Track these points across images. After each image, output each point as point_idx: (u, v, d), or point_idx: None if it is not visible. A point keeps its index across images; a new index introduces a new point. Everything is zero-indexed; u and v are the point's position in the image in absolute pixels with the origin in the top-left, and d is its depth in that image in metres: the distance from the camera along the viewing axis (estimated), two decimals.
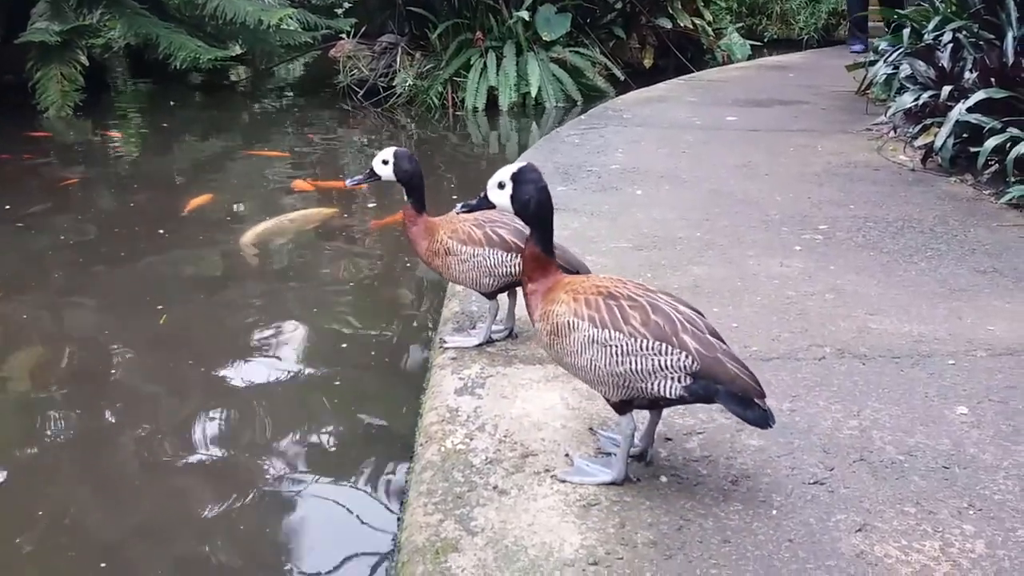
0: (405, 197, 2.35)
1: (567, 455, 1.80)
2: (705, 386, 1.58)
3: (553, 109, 7.21)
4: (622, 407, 1.67)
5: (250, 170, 5.69)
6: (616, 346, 1.60)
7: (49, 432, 2.59)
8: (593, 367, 1.64)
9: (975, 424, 1.97)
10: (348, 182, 2.44)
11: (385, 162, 2.33)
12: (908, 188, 3.89)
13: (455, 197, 4.68)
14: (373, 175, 2.36)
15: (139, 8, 7.52)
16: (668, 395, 1.60)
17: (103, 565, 1.99)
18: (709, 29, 8.87)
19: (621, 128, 5.27)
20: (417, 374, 2.63)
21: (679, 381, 1.58)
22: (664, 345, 1.57)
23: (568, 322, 1.66)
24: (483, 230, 2.26)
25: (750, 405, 1.58)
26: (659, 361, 1.57)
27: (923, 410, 2.03)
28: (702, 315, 1.67)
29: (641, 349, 1.58)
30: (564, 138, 5.02)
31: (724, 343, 1.63)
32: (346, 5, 9.11)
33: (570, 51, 7.50)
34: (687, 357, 1.57)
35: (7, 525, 2.15)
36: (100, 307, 3.46)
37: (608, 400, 1.69)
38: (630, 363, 1.59)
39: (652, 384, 1.59)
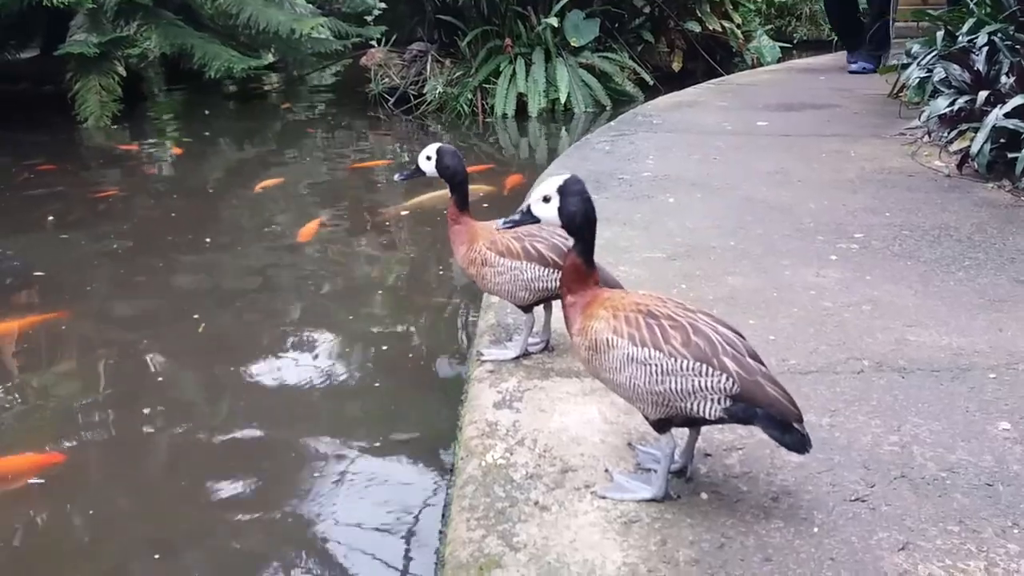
0: (450, 193, 2.38)
1: (607, 471, 1.82)
2: (744, 408, 1.58)
3: (582, 114, 7.23)
4: (661, 425, 1.68)
5: (283, 176, 5.77)
6: (656, 365, 1.61)
7: (90, 435, 2.66)
8: (632, 385, 1.65)
9: (1018, 440, 1.95)
10: (397, 177, 2.52)
11: (429, 157, 2.36)
12: (944, 195, 3.85)
13: (486, 205, 4.72)
14: (418, 171, 2.40)
15: (175, 19, 7.66)
16: (707, 416, 1.61)
17: (156, 556, 2.04)
18: (738, 32, 8.84)
19: (651, 134, 5.27)
20: (453, 379, 2.66)
21: (719, 403, 1.59)
22: (704, 366, 1.58)
23: (607, 339, 1.67)
24: (522, 243, 2.27)
25: (788, 429, 1.59)
26: (699, 382, 1.58)
27: (964, 425, 2.01)
28: (742, 336, 1.67)
29: (681, 369, 1.59)
30: (594, 145, 5.02)
31: (764, 365, 1.63)
32: (376, 12, 9.18)
33: (599, 56, 7.52)
34: (727, 379, 1.58)
35: (54, 523, 2.22)
36: (141, 315, 3.53)
37: (647, 418, 1.70)
38: (670, 383, 1.60)
39: (692, 404, 1.60)
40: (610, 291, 1.79)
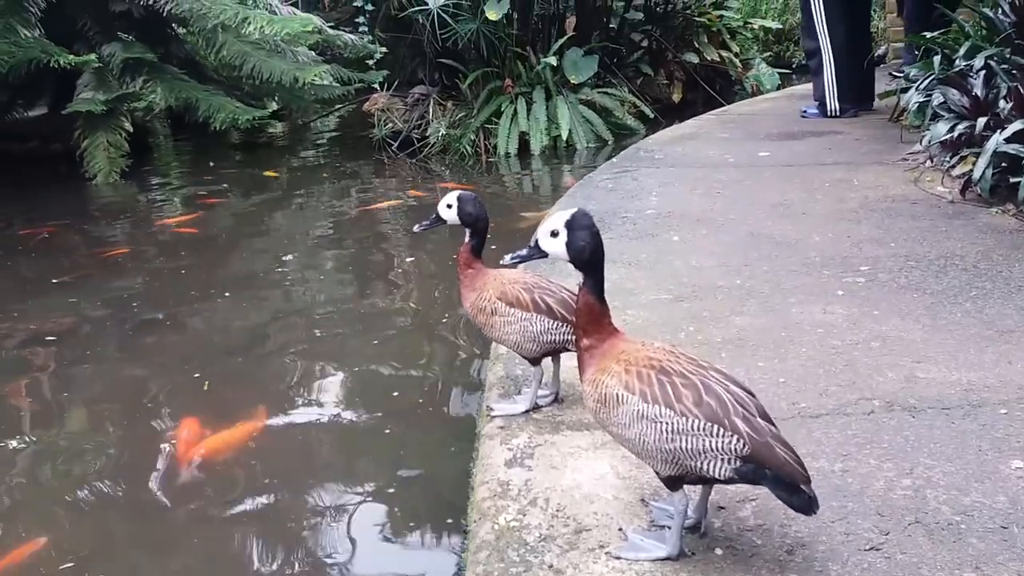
0: (467, 238, 2.40)
1: (620, 529, 1.82)
2: (754, 470, 1.59)
3: (584, 150, 7.29)
4: (672, 483, 1.68)
5: (291, 223, 5.82)
6: (666, 423, 1.62)
7: (96, 491, 2.69)
8: (641, 441, 1.66)
9: None
10: (416, 228, 2.53)
11: (449, 206, 2.38)
12: (948, 222, 3.86)
13: (494, 248, 4.74)
14: (439, 219, 2.42)
15: (179, 73, 7.79)
16: (717, 476, 1.61)
17: None
18: (737, 61, 8.92)
19: (654, 170, 5.30)
20: (463, 424, 2.66)
21: (729, 463, 1.59)
22: (716, 427, 1.59)
23: (617, 395, 1.68)
24: (531, 295, 2.29)
25: (796, 491, 1.59)
26: (710, 443, 1.59)
27: (977, 465, 2.01)
28: (753, 395, 1.68)
29: (692, 429, 1.60)
30: (597, 183, 5.06)
31: (774, 425, 1.64)
32: (377, 56, 9.30)
33: (598, 92, 7.60)
34: (738, 440, 1.58)
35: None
36: (148, 375, 3.55)
37: (658, 474, 1.70)
38: (680, 442, 1.61)
39: (701, 463, 1.61)
40: (626, 342, 1.78)
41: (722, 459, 1.59)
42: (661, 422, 1.62)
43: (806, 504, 1.59)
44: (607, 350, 1.75)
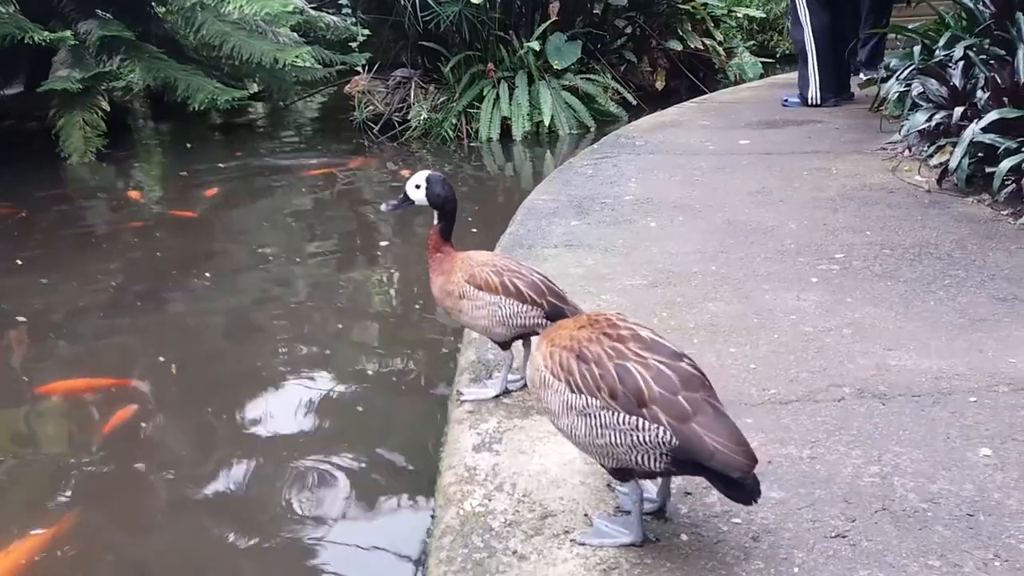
0: (435, 220, 2.36)
1: (587, 515, 1.80)
2: (687, 461, 1.52)
3: (567, 136, 7.25)
4: (620, 475, 1.63)
5: (270, 206, 5.76)
6: (594, 415, 1.56)
7: (75, 482, 2.64)
8: (573, 434, 1.61)
9: (999, 467, 1.94)
10: (384, 207, 2.46)
11: (418, 186, 2.35)
12: (924, 211, 3.87)
13: (475, 231, 4.72)
14: (407, 200, 2.38)
15: (157, 52, 7.64)
16: (656, 468, 1.56)
17: None
18: (720, 49, 8.88)
19: (634, 156, 5.28)
20: (438, 406, 2.65)
21: (662, 456, 1.53)
22: (637, 420, 1.52)
23: (543, 378, 1.65)
24: (501, 278, 2.26)
25: (732, 483, 1.52)
26: (637, 436, 1.53)
27: (945, 453, 2.01)
28: (682, 356, 1.60)
29: (616, 423, 1.54)
30: (577, 169, 5.03)
31: (707, 389, 1.56)
32: (360, 39, 9.20)
33: (581, 78, 7.55)
34: (664, 431, 1.51)
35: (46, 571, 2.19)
36: (121, 358, 3.51)
37: (603, 467, 1.66)
38: (610, 436, 1.55)
39: (636, 456, 1.55)
40: (556, 326, 1.75)
41: (654, 452, 1.53)
42: (589, 414, 1.57)
43: (745, 496, 1.53)
44: (547, 330, 1.74)
